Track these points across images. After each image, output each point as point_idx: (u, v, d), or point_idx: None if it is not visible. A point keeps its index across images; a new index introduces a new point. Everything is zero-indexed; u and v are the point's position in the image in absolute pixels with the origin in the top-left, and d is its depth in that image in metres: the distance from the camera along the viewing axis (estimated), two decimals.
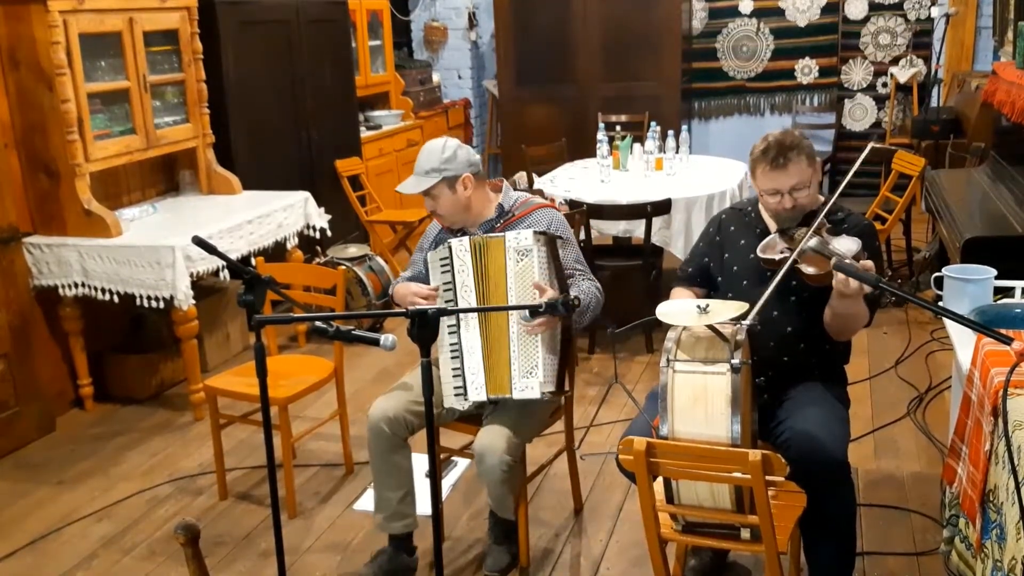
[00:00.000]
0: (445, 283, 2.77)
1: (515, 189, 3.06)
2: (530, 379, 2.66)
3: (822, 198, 2.66)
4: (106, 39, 4.15)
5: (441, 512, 3.17)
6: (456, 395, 2.76)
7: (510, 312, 2.67)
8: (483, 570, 2.93)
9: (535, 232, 2.66)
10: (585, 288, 2.81)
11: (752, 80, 8.00)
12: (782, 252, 2.48)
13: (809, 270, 2.39)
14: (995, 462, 1.99)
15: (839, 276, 2.27)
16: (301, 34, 5.64)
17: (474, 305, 2.71)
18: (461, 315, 2.72)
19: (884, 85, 7.56)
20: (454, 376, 2.76)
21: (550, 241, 2.70)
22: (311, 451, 3.82)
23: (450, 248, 2.74)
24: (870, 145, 2.71)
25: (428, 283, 2.83)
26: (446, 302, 2.76)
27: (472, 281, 2.72)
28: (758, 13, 7.81)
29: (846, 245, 2.42)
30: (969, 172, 5.08)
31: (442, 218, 2.90)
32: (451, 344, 2.76)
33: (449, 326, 2.76)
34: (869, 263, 2.32)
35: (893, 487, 3.32)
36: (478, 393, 2.73)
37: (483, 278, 2.71)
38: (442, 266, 2.78)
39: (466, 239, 2.74)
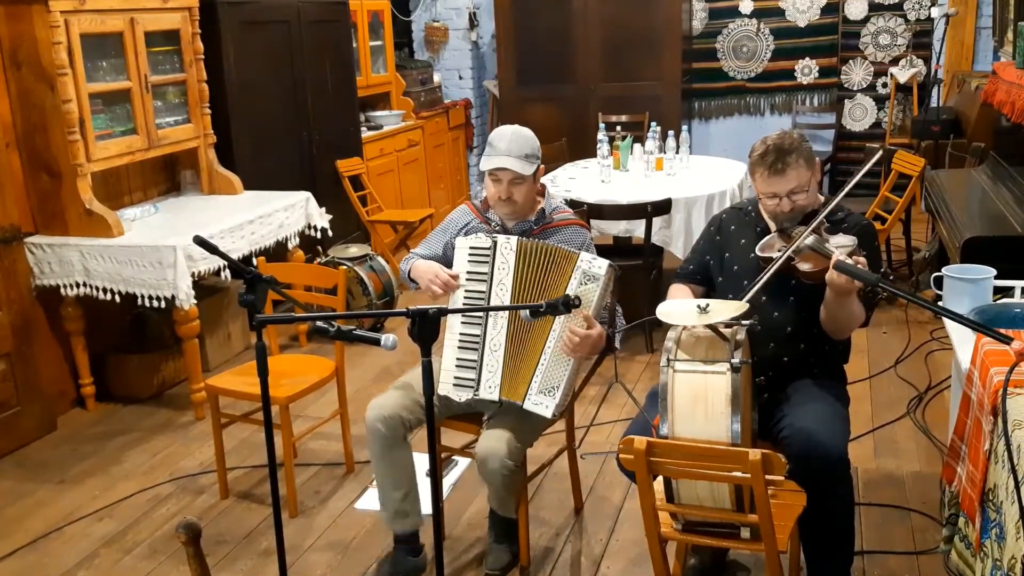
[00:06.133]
0: (479, 273, 2.74)
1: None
2: (547, 398, 2.67)
3: (822, 198, 2.67)
4: (107, 39, 4.15)
5: (442, 511, 3.18)
6: (457, 385, 2.75)
7: (553, 324, 2.66)
8: (484, 569, 2.94)
9: (610, 264, 2.65)
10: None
11: (752, 80, 8.00)
12: (780, 251, 2.49)
13: (805, 267, 2.41)
14: (995, 461, 2.00)
15: (835, 272, 2.28)
16: (302, 34, 5.65)
17: (507, 304, 2.70)
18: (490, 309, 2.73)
19: (884, 85, 7.56)
20: (460, 367, 2.75)
21: (614, 275, 2.69)
22: (312, 450, 3.83)
23: (495, 244, 2.73)
24: (879, 152, 2.68)
25: (444, 266, 2.83)
26: (469, 291, 2.74)
27: (510, 281, 2.70)
28: (758, 13, 7.81)
29: (841, 241, 2.43)
30: (969, 172, 5.08)
31: (510, 204, 2.81)
32: (471, 335, 2.75)
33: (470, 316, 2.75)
34: (863, 259, 2.33)
35: (893, 486, 3.33)
36: (491, 392, 2.72)
37: (524, 282, 2.69)
38: (478, 257, 2.75)
39: (514, 239, 2.72)
